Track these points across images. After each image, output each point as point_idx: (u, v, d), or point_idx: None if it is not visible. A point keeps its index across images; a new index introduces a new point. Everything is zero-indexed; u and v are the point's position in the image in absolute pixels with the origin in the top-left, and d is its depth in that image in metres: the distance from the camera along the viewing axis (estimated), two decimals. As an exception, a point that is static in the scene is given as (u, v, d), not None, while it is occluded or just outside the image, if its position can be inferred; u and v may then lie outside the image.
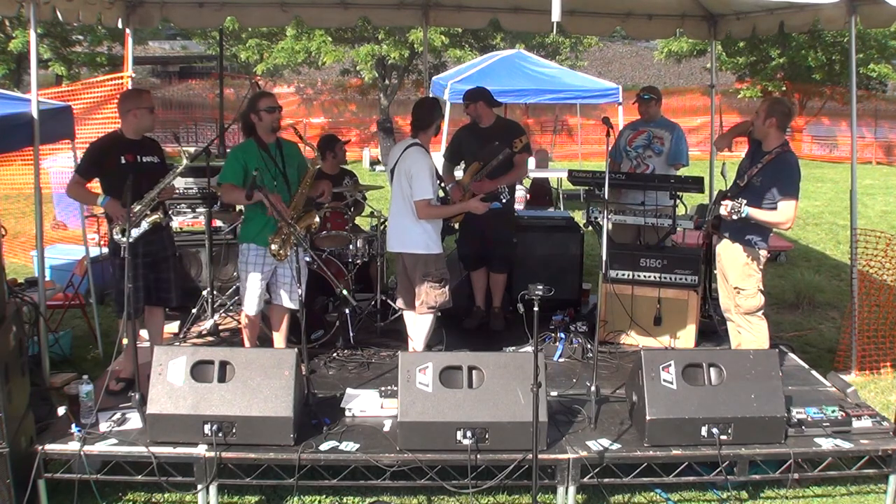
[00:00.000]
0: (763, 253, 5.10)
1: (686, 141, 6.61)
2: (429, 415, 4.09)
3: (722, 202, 4.86)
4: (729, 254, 5.15)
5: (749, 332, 5.15)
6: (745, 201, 4.74)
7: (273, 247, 4.88)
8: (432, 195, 5.09)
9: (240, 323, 6.00)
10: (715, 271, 5.44)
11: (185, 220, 6.99)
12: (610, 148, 6.67)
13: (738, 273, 5.11)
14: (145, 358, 4.64)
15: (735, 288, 5.13)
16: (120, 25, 6.70)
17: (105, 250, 5.35)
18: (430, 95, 10.81)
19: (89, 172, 5.02)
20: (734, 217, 4.77)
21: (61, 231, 10.04)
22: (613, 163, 6.64)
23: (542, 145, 19.44)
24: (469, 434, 4.05)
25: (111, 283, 5.24)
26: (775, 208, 4.89)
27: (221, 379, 4.17)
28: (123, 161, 4.95)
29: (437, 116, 5.17)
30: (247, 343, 5.27)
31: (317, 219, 5.18)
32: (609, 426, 4.47)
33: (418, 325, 5.31)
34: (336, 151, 6.53)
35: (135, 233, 4.79)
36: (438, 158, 5.70)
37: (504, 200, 5.94)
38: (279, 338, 5.30)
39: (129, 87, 7.11)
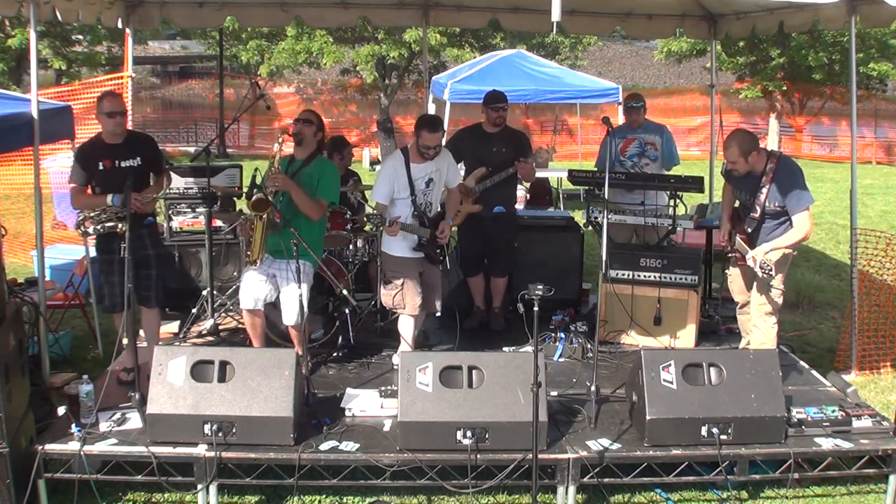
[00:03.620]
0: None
1: (674, 140, 6.65)
2: (429, 414, 4.09)
3: (749, 257, 4.82)
4: (770, 256, 5.06)
5: (762, 333, 5.17)
6: (769, 266, 4.71)
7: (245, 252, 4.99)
8: (381, 199, 5.13)
9: (240, 323, 6.03)
10: (727, 272, 5.49)
11: (185, 220, 6.99)
12: (597, 160, 6.76)
13: (779, 271, 5.08)
14: (144, 358, 4.65)
15: (769, 284, 5.12)
16: (120, 25, 6.70)
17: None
18: (431, 99, 10.84)
19: (80, 177, 5.06)
20: (767, 272, 4.75)
21: (61, 231, 10.02)
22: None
23: (542, 145, 19.42)
24: (469, 434, 4.06)
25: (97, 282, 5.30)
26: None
27: (221, 379, 4.17)
28: (101, 167, 4.98)
29: (418, 129, 5.12)
30: (253, 343, 5.27)
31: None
32: (609, 426, 4.47)
33: (399, 324, 5.33)
34: (343, 154, 6.64)
35: (91, 229, 4.90)
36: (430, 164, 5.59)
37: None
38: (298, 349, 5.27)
39: (131, 88, 7.11)
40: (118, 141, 5.05)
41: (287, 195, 4.93)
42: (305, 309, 4.84)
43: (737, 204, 5.41)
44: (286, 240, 4.75)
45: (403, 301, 5.18)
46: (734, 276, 5.45)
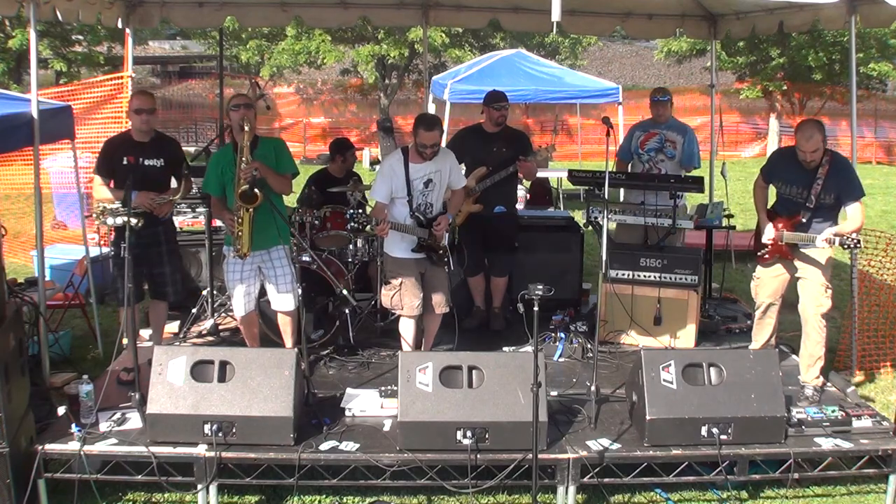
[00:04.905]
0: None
1: (697, 143, 6.55)
2: (429, 415, 4.09)
3: (824, 240, 4.83)
4: (819, 257, 5.08)
5: (818, 334, 5.10)
6: (856, 237, 4.77)
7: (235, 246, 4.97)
8: (379, 198, 5.12)
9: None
10: (755, 274, 5.38)
11: (185, 220, 7.00)
12: (618, 146, 6.67)
13: (828, 272, 5.10)
14: (145, 357, 4.65)
15: (826, 287, 5.08)
16: (120, 25, 6.70)
17: (105, 250, 5.41)
18: (431, 99, 10.84)
19: (103, 171, 5.16)
20: (853, 249, 4.82)
21: (61, 231, 10.03)
22: (621, 162, 6.62)
23: (542, 144, 19.42)
24: (469, 434, 4.06)
25: (111, 276, 5.35)
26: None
27: (221, 379, 4.17)
28: (125, 162, 5.07)
29: (415, 128, 5.07)
30: (247, 343, 5.29)
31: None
32: (609, 426, 4.47)
33: (399, 326, 5.34)
34: (346, 157, 6.71)
35: (110, 221, 4.94)
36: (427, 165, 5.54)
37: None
38: (287, 341, 5.30)
39: (131, 88, 7.12)
40: (145, 139, 5.15)
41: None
42: (299, 295, 4.85)
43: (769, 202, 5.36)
44: (268, 228, 4.82)
45: (402, 302, 5.18)
46: (765, 278, 5.29)
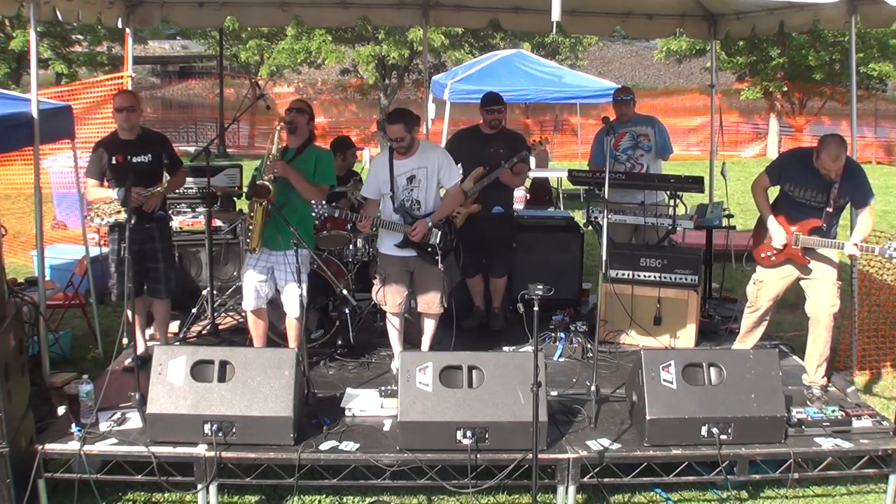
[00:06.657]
0: None
1: (666, 130, 6.64)
2: (429, 415, 4.09)
3: (855, 245, 4.86)
4: (832, 257, 5.10)
5: (830, 334, 5.07)
6: (885, 247, 4.80)
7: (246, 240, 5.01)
8: (366, 193, 5.25)
9: (240, 323, 6.04)
10: (756, 276, 5.32)
11: (185, 220, 6.99)
12: (590, 157, 6.76)
13: (838, 271, 5.10)
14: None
15: (838, 287, 5.08)
16: (120, 25, 6.70)
17: (105, 250, 5.43)
18: (431, 99, 10.86)
19: (95, 170, 5.21)
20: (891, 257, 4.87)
21: (61, 231, 10.03)
22: (594, 167, 6.64)
23: (534, 140, 19.39)
24: (469, 434, 4.06)
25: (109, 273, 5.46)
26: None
27: (221, 379, 4.18)
28: (114, 162, 5.16)
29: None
30: (254, 342, 5.30)
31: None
32: (609, 426, 4.47)
33: (387, 322, 5.38)
34: (346, 156, 6.76)
35: (97, 221, 5.03)
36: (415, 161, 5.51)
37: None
38: (291, 343, 5.30)
39: (131, 88, 7.12)
40: (131, 137, 5.22)
41: (280, 182, 4.94)
42: (305, 301, 4.85)
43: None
44: (281, 230, 4.82)
45: (385, 298, 5.21)
46: (769, 280, 5.22)
